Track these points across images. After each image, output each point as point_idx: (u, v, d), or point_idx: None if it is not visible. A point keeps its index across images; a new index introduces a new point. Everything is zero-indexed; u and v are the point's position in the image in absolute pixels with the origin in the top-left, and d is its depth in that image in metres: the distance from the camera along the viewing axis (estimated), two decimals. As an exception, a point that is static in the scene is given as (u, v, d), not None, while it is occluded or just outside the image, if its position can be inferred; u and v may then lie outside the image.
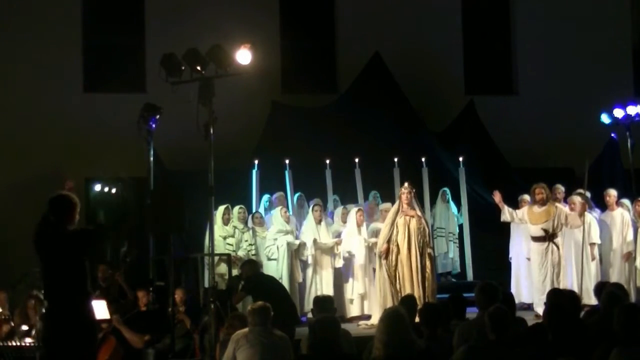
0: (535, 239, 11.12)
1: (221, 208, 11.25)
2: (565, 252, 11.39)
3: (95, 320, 6.43)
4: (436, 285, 10.64)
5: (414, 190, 10.78)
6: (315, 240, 11.41)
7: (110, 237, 6.62)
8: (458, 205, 13.54)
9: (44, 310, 6.38)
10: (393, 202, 12.55)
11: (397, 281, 10.38)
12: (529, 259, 11.87)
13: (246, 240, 11.53)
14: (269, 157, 13.28)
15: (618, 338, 5.53)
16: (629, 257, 11.74)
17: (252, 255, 11.34)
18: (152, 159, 10.09)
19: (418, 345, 5.91)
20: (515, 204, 11.98)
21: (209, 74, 9.09)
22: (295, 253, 11.47)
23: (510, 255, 12.57)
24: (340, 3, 16.33)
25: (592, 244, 11.61)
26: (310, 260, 11.46)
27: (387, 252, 10.46)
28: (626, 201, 12.17)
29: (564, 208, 11.29)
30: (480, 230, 13.25)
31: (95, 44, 15.33)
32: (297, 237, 11.57)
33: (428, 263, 10.44)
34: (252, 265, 10.01)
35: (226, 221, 11.41)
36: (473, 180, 14.01)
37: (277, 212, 11.60)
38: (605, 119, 14.18)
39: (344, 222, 11.88)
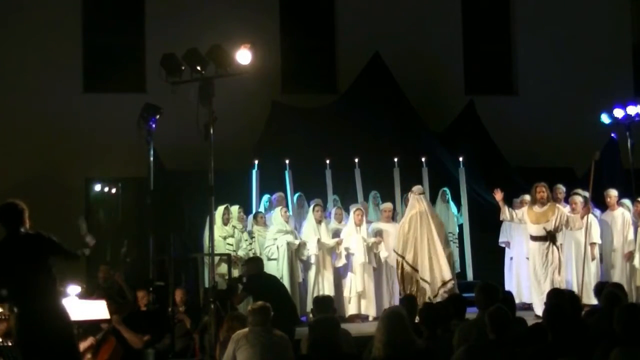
0: (535, 238, 11.12)
1: (220, 208, 11.24)
2: (565, 252, 11.40)
3: (69, 320, 6.41)
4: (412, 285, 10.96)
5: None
6: (318, 240, 11.42)
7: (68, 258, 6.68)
8: (458, 205, 13.54)
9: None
10: (393, 202, 12.63)
11: None
12: (529, 259, 11.89)
13: (245, 240, 11.53)
14: (269, 157, 13.28)
15: (618, 338, 5.52)
16: (630, 256, 11.74)
17: (253, 254, 11.33)
18: (152, 159, 10.09)
19: (418, 345, 5.91)
20: (515, 204, 12.02)
21: (209, 74, 9.08)
22: (295, 253, 11.47)
23: (510, 256, 12.58)
24: (340, 3, 16.33)
25: (592, 244, 11.61)
26: (313, 260, 11.46)
27: None
28: (626, 201, 12.17)
29: (564, 209, 11.29)
30: (480, 230, 13.26)
31: (95, 43, 15.33)
32: (296, 237, 11.57)
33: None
34: (256, 263, 10.00)
35: (226, 221, 11.41)
36: (473, 180, 14.01)
37: (277, 212, 11.60)
38: (605, 119, 14.17)
39: (339, 221, 11.92)
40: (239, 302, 9.79)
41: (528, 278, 11.92)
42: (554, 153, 15.84)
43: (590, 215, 11.70)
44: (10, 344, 8.04)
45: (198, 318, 9.70)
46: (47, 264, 6.29)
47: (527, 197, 11.92)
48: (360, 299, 11.49)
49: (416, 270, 10.93)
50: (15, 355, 7.64)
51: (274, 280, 10.02)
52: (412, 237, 11.00)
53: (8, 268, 6.26)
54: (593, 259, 11.63)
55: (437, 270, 10.95)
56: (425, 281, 10.92)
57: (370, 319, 11.25)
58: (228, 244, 11.29)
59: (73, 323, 6.62)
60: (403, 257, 11.02)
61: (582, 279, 11.25)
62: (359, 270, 11.50)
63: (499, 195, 11.27)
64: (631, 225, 11.80)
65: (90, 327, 8.58)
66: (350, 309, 11.49)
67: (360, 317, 11.46)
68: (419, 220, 11.04)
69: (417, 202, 11.15)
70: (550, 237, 11.03)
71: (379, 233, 11.82)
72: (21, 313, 6.24)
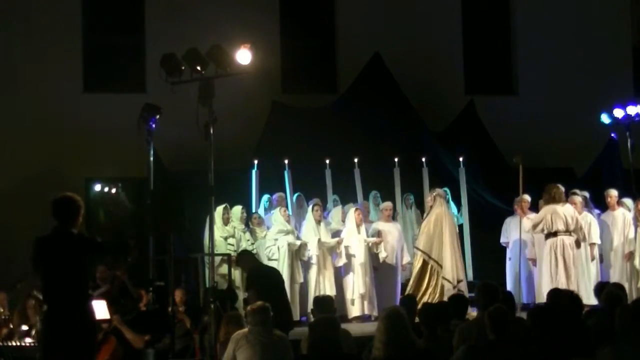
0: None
1: (219, 208, 11.23)
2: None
3: (94, 322, 6.42)
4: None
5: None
6: (319, 240, 11.41)
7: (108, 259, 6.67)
8: (458, 205, 13.52)
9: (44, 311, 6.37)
10: (393, 202, 12.63)
11: None
12: (529, 259, 11.94)
13: (247, 240, 11.53)
14: (269, 157, 13.27)
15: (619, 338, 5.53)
16: (630, 256, 11.74)
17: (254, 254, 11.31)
18: (152, 159, 10.08)
19: (418, 345, 5.91)
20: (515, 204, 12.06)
21: (209, 74, 9.07)
22: (296, 253, 11.46)
23: (509, 256, 12.58)
24: (340, 3, 16.32)
25: (592, 244, 11.61)
26: (314, 260, 11.46)
27: None
28: (627, 201, 12.15)
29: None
30: (480, 230, 13.24)
31: (95, 44, 15.31)
32: (297, 238, 11.56)
33: None
34: (248, 257, 9.98)
35: (226, 221, 11.41)
36: (473, 180, 14.00)
37: (277, 212, 11.59)
38: (605, 119, 14.19)
39: (344, 221, 11.92)
40: (253, 302, 9.57)
41: (527, 278, 11.99)
42: (554, 153, 15.83)
43: (590, 216, 11.74)
44: (10, 343, 8.06)
45: (198, 318, 9.70)
46: (86, 267, 6.27)
47: (526, 197, 11.95)
48: (363, 300, 11.50)
49: (440, 266, 11.32)
50: (16, 355, 7.66)
51: (273, 279, 9.88)
52: (438, 236, 11.38)
53: (49, 265, 6.22)
54: (592, 259, 11.64)
55: (458, 270, 11.40)
56: (448, 280, 11.22)
57: (373, 319, 11.25)
58: (229, 244, 11.30)
59: (97, 326, 6.62)
60: (429, 255, 11.25)
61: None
62: (360, 271, 11.51)
63: None
64: (632, 225, 11.79)
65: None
66: (354, 311, 11.49)
67: (362, 318, 11.47)
68: (443, 221, 11.41)
69: (440, 204, 11.48)
70: (546, 236, 11.16)
71: (378, 233, 11.83)
72: (49, 312, 6.24)
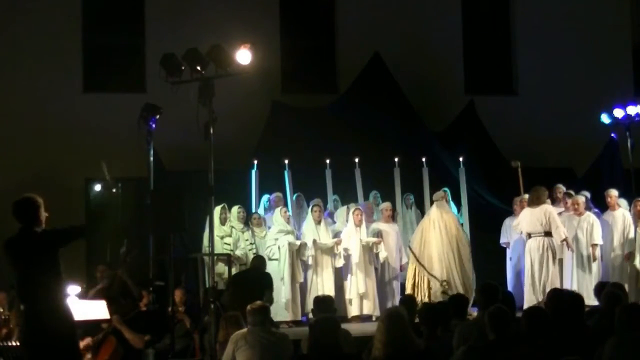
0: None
1: (218, 208, 11.20)
2: (565, 251, 11.41)
3: (72, 320, 6.41)
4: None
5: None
6: (314, 241, 11.41)
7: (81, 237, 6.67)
8: (458, 205, 13.51)
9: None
10: (393, 202, 12.63)
11: None
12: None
13: (246, 240, 11.52)
14: (269, 157, 13.25)
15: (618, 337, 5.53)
16: (630, 257, 11.72)
17: (253, 254, 11.32)
18: (152, 159, 10.08)
19: (418, 345, 5.91)
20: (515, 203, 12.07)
21: (209, 74, 9.09)
22: (296, 253, 11.46)
23: (509, 256, 12.58)
24: (340, 3, 16.33)
25: (593, 245, 11.59)
26: (310, 261, 11.46)
27: None
28: (622, 201, 12.14)
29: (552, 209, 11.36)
30: (480, 230, 13.23)
31: (95, 44, 15.31)
32: (297, 238, 11.56)
33: None
34: (255, 261, 10.16)
35: (223, 221, 11.39)
36: (473, 180, 13.99)
37: (277, 212, 11.60)
38: (605, 119, 14.19)
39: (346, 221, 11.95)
40: (227, 301, 9.68)
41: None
42: (554, 153, 15.84)
43: (593, 216, 11.71)
44: (10, 344, 8.06)
45: (198, 318, 9.71)
46: (55, 263, 6.28)
47: (527, 197, 11.93)
48: (363, 300, 11.49)
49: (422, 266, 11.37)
50: (16, 354, 7.65)
51: (257, 282, 9.90)
52: (423, 231, 11.56)
53: (17, 266, 6.24)
54: (594, 260, 11.60)
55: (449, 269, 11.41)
56: (435, 277, 11.28)
57: (373, 319, 11.25)
58: (225, 243, 11.28)
59: (76, 323, 6.62)
60: (416, 256, 11.44)
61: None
62: (359, 271, 11.50)
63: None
64: (632, 225, 11.77)
65: (90, 327, 8.59)
66: (353, 311, 11.49)
67: (361, 318, 11.47)
68: (436, 222, 11.58)
69: (437, 207, 11.69)
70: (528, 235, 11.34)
71: (378, 233, 11.82)
72: (27, 311, 6.25)
